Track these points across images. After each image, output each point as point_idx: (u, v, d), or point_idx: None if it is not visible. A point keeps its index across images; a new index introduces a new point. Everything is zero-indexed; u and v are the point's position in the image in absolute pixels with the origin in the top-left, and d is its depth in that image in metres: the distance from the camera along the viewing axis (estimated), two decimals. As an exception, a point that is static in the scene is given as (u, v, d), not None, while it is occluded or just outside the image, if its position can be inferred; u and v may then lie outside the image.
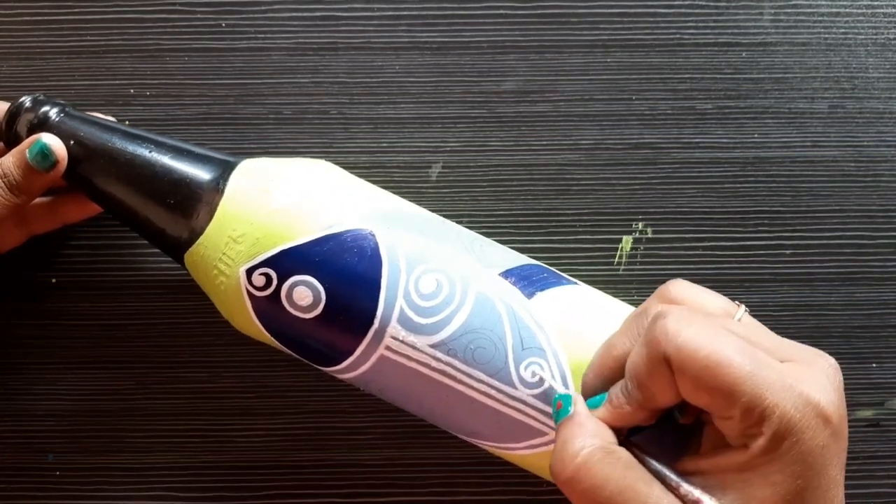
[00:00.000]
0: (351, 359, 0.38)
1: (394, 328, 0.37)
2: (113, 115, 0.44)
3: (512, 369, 0.36)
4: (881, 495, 0.45)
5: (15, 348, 0.45)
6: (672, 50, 0.46)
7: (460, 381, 0.37)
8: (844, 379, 0.46)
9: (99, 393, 0.46)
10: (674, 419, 0.32)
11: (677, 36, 0.46)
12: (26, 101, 0.40)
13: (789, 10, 0.46)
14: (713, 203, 0.46)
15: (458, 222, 0.42)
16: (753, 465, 0.28)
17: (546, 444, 0.37)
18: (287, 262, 0.37)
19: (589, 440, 0.30)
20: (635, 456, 0.30)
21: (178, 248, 0.40)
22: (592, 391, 0.33)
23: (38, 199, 0.42)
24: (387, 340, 0.37)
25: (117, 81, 0.46)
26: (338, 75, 0.46)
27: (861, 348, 0.46)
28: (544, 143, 0.46)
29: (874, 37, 0.47)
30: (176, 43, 0.46)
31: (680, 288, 0.33)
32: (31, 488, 0.45)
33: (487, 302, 0.37)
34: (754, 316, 0.46)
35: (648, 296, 0.45)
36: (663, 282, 0.45)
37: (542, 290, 0.38)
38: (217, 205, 0.38)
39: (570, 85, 0.46)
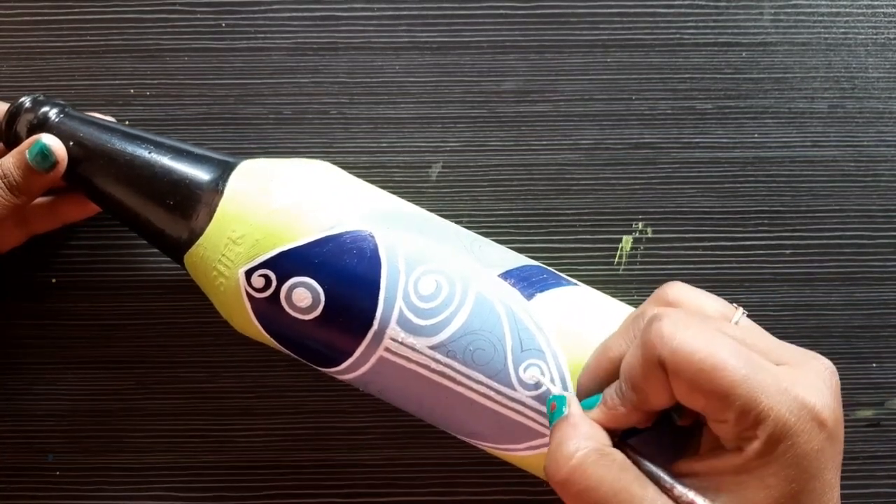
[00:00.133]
0: (350, 360, 0.38)
1: (393, 329, 0.37)
2: (113, 115, 0.44)
3: (511, 371, 0.36)
4: (881, 495, 0.45)
5: (15, 348, 0.45)
6: (672, 50, 0.46)
7: (459, 383, 0.37)
8: (844, 379, 0.46)
9: (99, 393, 0.46)
10: (671, 421, 0.33)
11: (677, 36, 0.46)
12: (26, 101, 0.40)
13: (789, 10, 0.46)
14: (713, 203, 0.46)
15: (458, 222, 0.42)
16: (748, 468, 0.28)
17: (545, 445, 0.37)
18: (286, 264, 0.37)
19: (583, 442, 0.30)
20: (630, 458, 0.30)
21: (177, 249, 0.40)
22: (587, 392, 0.33)
23: (38, 199, 0.42)
24: (386, 342, 0.37)
25: (117, 81, 0.46)
26: (338, 75, 0.46)
27: (861, 348, 0.46)
28: (544, 143, 0.46)
29: (874, 37, 0.47)
30: (176, 43, 0.46)
31: (677, 290, 0.33)
32: (31, 488, 0.45)
33: (487, 303, 0.37)
34: (754, 316, 0.46)
35: (648, 296, 0.45)
36: (663, 282, 0.45)
37: (541, 291, 0.38)
38: (216, 206, 0.38)
39: (570, 85, 0.46)
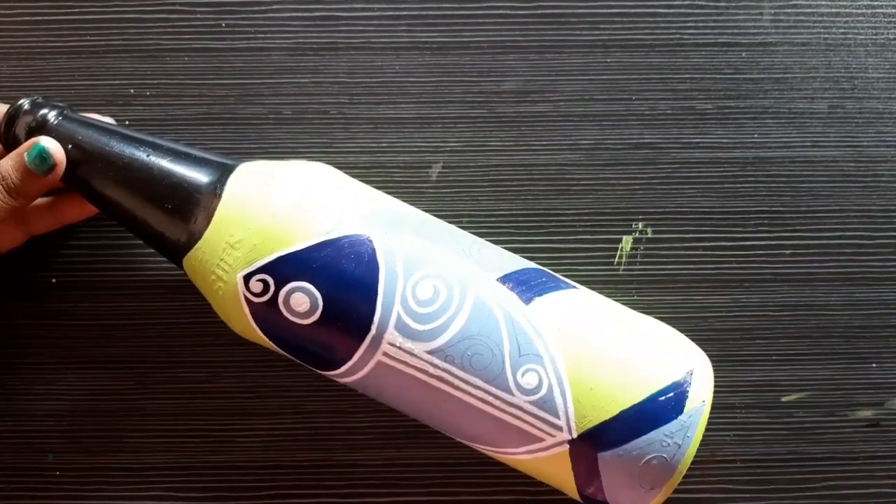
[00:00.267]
0: (348, 364, 0.38)
1: (391, 334, 0.37)
2: (113, 116, 0.44)
3: (509, 376, 0.36)
4: (881, 496, 0.45)
5: (15, 348, 0.45)
6: (672, 50, 0.46)
7: (457, 388, 0.37)
8: (844, 379, 0.46)
9: (99, 393, 0.46)
10: None
11: (677, 36, 0.46)
12: (25, 103, 0.40)
13: (789, 11, 0.46)
14: (713, 203, 0.46)
15: (457, 222, 0.42)
16: None
17: (544, 449, 0.37)
18: (284, 269, 0.37)
19: None
20: None
21: (176, 252, 0.40)
22: None
23: (37, 201, 0.42)
24: (384, 346, 0.37)
25: (117, 81, 0.46)
26: (338, 75, 0.46)
27: (861, 348, 0.46)
28: (544, 143, 0.46)
29: (874, 37, 0.47)
30: (176, 43, 0.46)
31: None
32: (31, 488, 0.45)
33: (485, 308, 0.37)
34: (754, 316, 0.46)
35: (648, 296, 0.46)
36: (663, 282, 0.46)
37: (539, 294, 0.38)
38: (214, 210, 0.38)
39: (570, 85, 0.46)
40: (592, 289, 0.41)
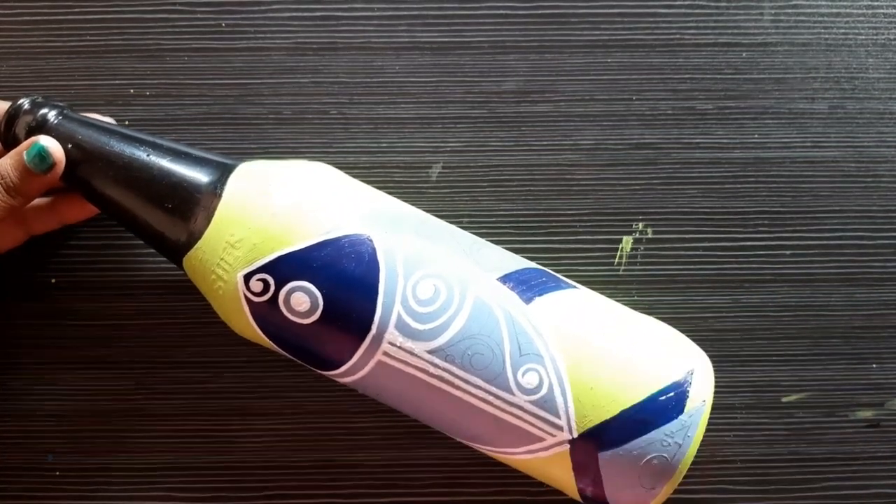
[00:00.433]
0: (349, 364, 0.38)
1: (391, 334, 0.37)
2: (113, 115, 0.44)
3: (509, 375, 0.36)
4: (882, 496, 0.45)
5: (15, 348, 0.45)
6: (672, 50, 0.46)
7: (458, 387, 0.37)
8: (844, 379, 0.46)
9: (99, 393, 0.46)
10: None
11: (678, 36, 0.46)
12: (25, 103, 0.40)
13: (790, 11, 0.46)
14: (713, 203, 0.46)
15: (457, 222, 0.42)
16: None
17: (544, 449, 0.37)
18: (284, 268, 0.37)
19: None
20: None
21: (176, 252, 0.39)
22: None
23: (37, 200, 0.42)
24: (384, 346, 0.37)
25: (117, 81, 0.46)
26: (338, 75, 0.46)
27: (861, 349, 0.46)
28: (544, 143, 0.46)
29: (874, 37, 0.46)
30: (176, 43, 0.46)
31: None
32: (31, 488, 0.45)
33: (485, 307, 0.37)
34: (754, 316, 0.46)
35: (649, 296, 0.46)
36: (664, 282, 0.46)
37: (540, 294, 0.38)
38: (215, 209, 0.38)
39: (571, 85, 0.46)
40: (592, 289, 0.41)
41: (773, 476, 0.45)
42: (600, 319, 0.38)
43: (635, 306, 0.41)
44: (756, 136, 0.46)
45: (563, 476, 0.38)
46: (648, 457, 0.36)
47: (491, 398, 0.37)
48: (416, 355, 0.37)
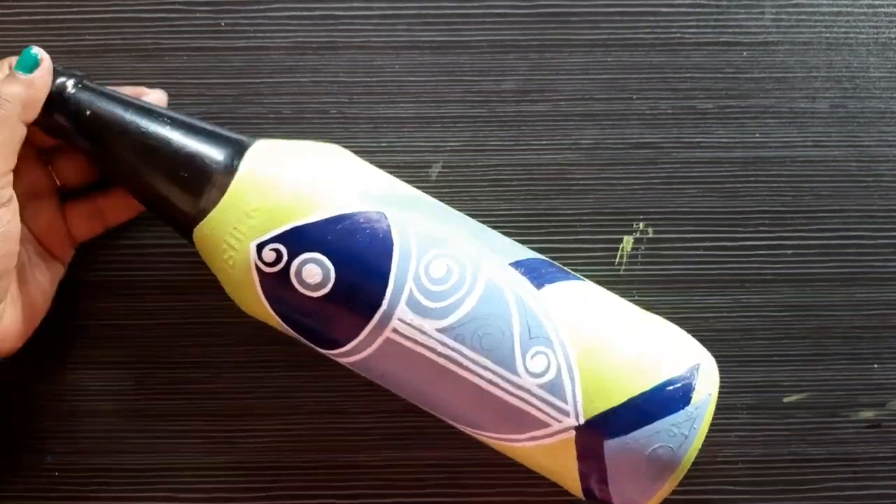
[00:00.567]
0: (355, 341, 0.38)
1: (402, 311, 0.37)
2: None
3: (518, 358, 0.37)
4: (882, 496, 0.45)
5: (14, 349, 0.45)
6: (673, 49, 0.46)
7: (466, 368, 0.37)
8: (845, 379, 0.46)
9: (99, 393, 0.46)
10: None
11: (678, 35, 0.46)
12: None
13: (790, 10, 0.46)
14: (714, 203, 0.46)
15: (457, 222, 0.42)
16: None
17: (549, 435, 0.37)
18: (299, 239, 0.37)
19: None
20: None
21: (187, 223, 0.39)
22: None
23: (79, 202, 0.43)
24: (394, 323, 0.37)
25: (116, 81, 0.46)
26: (337, 75, 0.46)
27: (862, 349, 0.46)
28: (544, 142, 0.46)
29: (875, 36, 0.46)
30: (175, 42, 0.46)
31: None
32: (30, 488, 0.45)
33: (497, 289, 0.37)
34: (754, 316, 0.46)
35: (649, 296, 0.45)
36: (664, 282, 0.46)
37: (550, 282, 0.38)
38: (230, 180, 0.38)
39: (571, 84, 0.46)
40: (594, 289, 0.41)
41: (774, 477, 0.45)
42: (610, 310, 0.39)
43: (637, 306, 0.41)
44: (757, 135, 0.46)
45: (565, 465, 0.37)
46: (654, 446, 0.36)
47: (498, 380, 0.37)
48: (425, 333, 0.37)
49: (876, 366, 0.46)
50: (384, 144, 0.46)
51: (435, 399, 0.39)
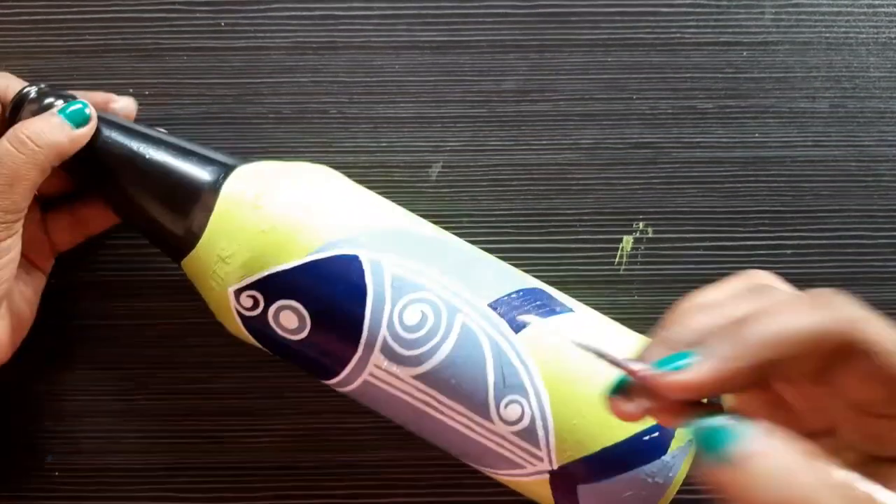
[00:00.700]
0: (339, 378, 0.38)
1: (376, 357, 0.37)
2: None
3: (492, 405, 0.36)
4: (882, 496, 0.45)
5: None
6: (673, 49, 0.46)
7: (441, 412, 0.37)
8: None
9: (98, 393, 0.46)
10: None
11: (678, 35, 0.46)
12: (31, 91, 0.40)
13: (790, 9, 0.46)
14: (714, 203, 0.46)
15: (457, 222, 0.42)
16: None
17: (525, 475, 0.37)
18: (273, 287, 0.37)
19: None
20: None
21: (176, 252, 0.40)
22: (660, 354, 0.27)
23: (59, 212, 0.43)
24: (370, 368, 0.37)
25: (116, 81, 0.46)
26: (337, 74, 0.46)
27: (862, 348, 0.45)
28: (544, 142, 0.46)
29: (875, 36, 0.46)
30: (175, 42, 0.46)
31: (774, 279, 0.29)
32: (30, 489, 0.45)
33: (472, 335, 0.37)
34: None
35: (649, 296, 0.45)
36: (664, 282, 0.45)
37: (531, 322, 0.37)
38: (208, 219, 0.38)
39: (571, 84, 0.46)
40: (593, 289, 0.41)
41: (773, 476, 0.45)
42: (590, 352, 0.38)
43: (636, 307, 0.41)
44: (757, 135, 0.46)
45: (543, 497, 0.38)
46: (627, 493, 0.35)
47: (473, 425, 0.37)
48: (400, 379, 0.37)
49: (876, 365, 0.45)
50: (384, 144, 0.46)
51: (420, 432, 0.39)
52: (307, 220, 0.38)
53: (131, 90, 0.46)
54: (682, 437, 0.36)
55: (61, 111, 0.38)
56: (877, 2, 0.46)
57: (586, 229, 0.46)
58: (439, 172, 0.46)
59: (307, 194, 0.39)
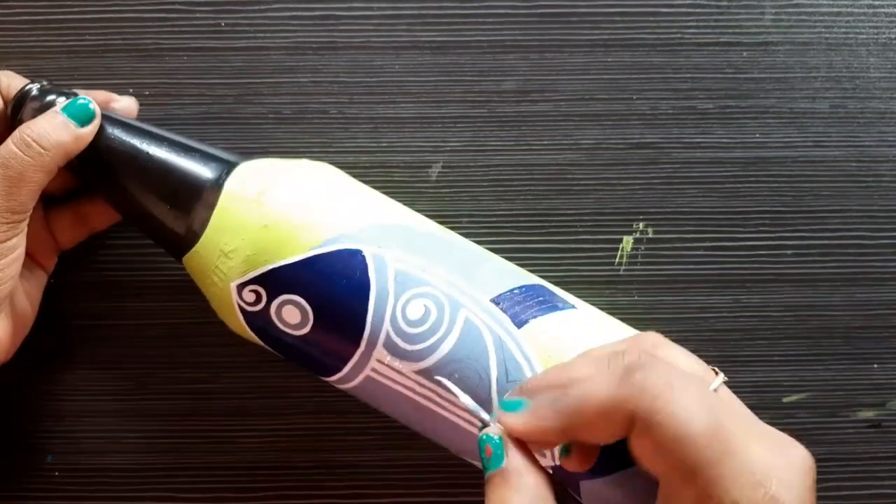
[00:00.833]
0: (341, 374, 0.38)
1: (379, 352, 0.37)
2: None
3: (495, 401, 0.36)
4: (883, 496, 0.45)
5: (14, 348, 0.45)
6: (673, 49, 0.46)
7: (444, 408, 0.37)
8: (845, 380, 0.46)
9: (98, 393, 0.46)
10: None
11: (678, 35, 0.46)
12: (33, 88, 0.40)
13: (790, 10, 0.46)
14: (714, 203, 0.46)
15: (457, 222, 0.42)
16: None
17: None
18: (276, 281, 0.37)
19: None
20: None
21: (177, 250, 0.40)
22: (515, 396, 0.31)
23: (62, 209, 0.43)
24: (372, 363, 0.37)
25: (116, 81, 0.46)
26: (337, 75, 0.46)
27: (862, 349, 0.46)
28: (545, 142, 0.46)
29: (875, 36, 0.46)
30: (175, 42, 0.46)
31: (656, 341, 0.31)
32: (30, 489, 0.45)
33: (475, 330, 0.37)
34: (756, 317, 0.46)
35: (649, 296, 0.45)
36: (664, 282, 0.45)
37: (534, 317, 0.37)
38: (210, 215, 0.38)
39: (571, 84, 0.46)
40: (593, 289, 0.41)
41: (773, 476, 0.45)
42: (594, 344, 0.38)
43: (636, 307, 0.41)
44: (757, 135, 0.46)
45: None
46: (629, 489, 0.35)
47: (476, 421, 0.37)
48: (403, 374, 0.37)
49: (876, 366, 0.46)
50: (384, 144, 0.46)
51: (422, 429, 0.39)
52: (310, 217, 0.38)
53: (131, 90, 0.46)
54: None
55: (65, 109, 0.38)
56: (877, 2, 0.46)
57: (586, 229, 0.46)
58: (439, 173, 0.46)
59: (310, 191, 0.39)
